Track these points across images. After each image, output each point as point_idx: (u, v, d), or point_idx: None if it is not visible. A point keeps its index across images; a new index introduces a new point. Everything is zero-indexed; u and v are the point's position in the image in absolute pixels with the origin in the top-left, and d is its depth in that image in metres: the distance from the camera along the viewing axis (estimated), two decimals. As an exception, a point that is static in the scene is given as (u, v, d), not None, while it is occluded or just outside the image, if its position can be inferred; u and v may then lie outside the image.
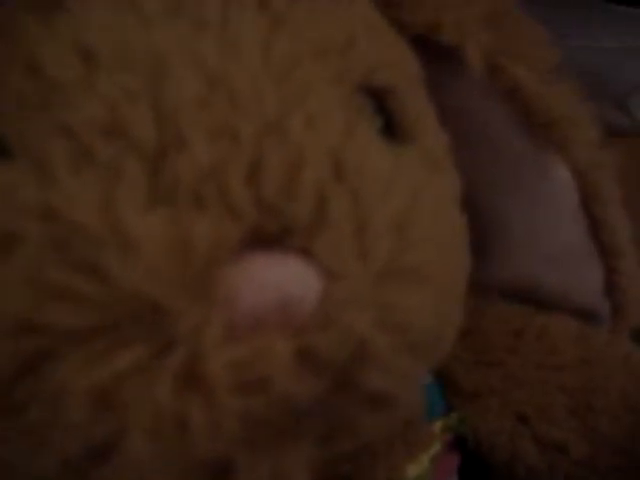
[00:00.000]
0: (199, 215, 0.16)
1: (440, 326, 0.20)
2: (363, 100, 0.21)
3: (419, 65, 0.25)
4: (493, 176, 0.29)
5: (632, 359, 0.32)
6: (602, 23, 0.51)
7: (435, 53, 0.26)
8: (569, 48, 0.29)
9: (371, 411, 0.19)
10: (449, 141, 0.25)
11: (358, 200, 0.17)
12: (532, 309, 0.32)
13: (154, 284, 0.16)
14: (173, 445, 0.16)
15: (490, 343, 0.32)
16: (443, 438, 0.30)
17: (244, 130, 0.17)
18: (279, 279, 0.16)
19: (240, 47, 0.19)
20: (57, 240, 0.16)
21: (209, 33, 0.19)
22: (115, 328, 0.16)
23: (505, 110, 0.28)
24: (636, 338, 0.33)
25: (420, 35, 0.26)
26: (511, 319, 0.32)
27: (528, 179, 0.29)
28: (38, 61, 0.18)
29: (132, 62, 0.18)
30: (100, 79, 0.18)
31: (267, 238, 0.17)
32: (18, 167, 0.18)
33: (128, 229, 0.16)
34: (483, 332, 0.32)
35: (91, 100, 0.17)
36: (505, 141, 0.28)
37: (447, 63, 0.26)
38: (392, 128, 0.22)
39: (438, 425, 0.29)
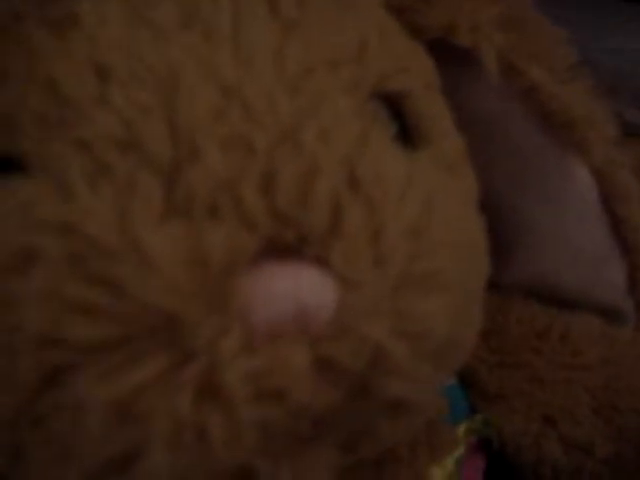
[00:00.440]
0: (214, 226, 0.16)
1: (458, 332, 0.20)
2: (377, 106, 0.21)
3: (435, 68, 0.25)
4: (512, 177, 0.29)
5: (657, 357, 0.31)
6: (618, 22, 0.51)
7: (451, 56, 0.26)
8: (586, 48, 0.29)
9: (390, 418, 0.19)
10: (467, 144, 0.25)
11: (373, 208, 0.17)
12: (555, 309, 0.32)
13: (171, 297, 0.16)
14: (193, 455, 0.16)
15: (514, 344, 0.32)
16: (467, 441, 0.29)
17: (258, 141, 0.17)
18: (295, 289, 0.16)
19: (253, 57, 0.19)
20: (75, 255, 0.16)
21: (222, 44, 0.19)
22: (134, 341, 0.16)
23: (522, 111, 0.28)
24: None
25: (435, 38, 0.26)
26: (534, 320, 0.32)
27: (548, 179, 0.29)
28: (54, 78, 0.18)
29: (146, 76, 0.18)
30: (115, 94, 0.18)
31: (283, 248, 0.17)
32: (36, 183, 0.18)
33: (144, 243, 0.16)
34: (506, 333, 0.32)
35: (107, 115, 0.18)
36: (523, 142, 0.28)
37: (463, 66, 0.27)
38: (408, 132, 0.22)
39: (462, 428, 0.29)
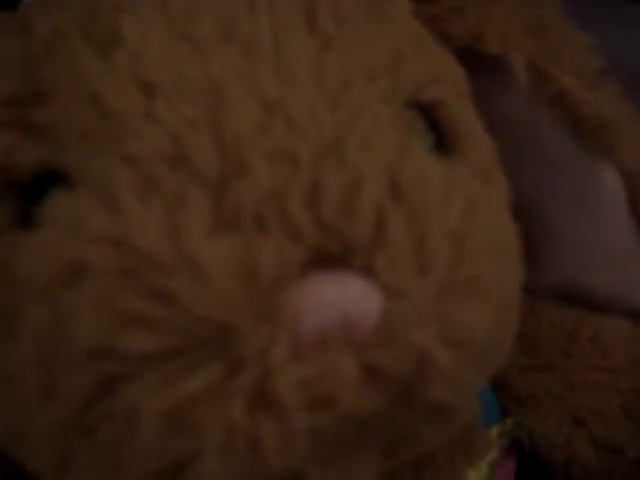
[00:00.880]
0: (263, 239, 0.17)
1: (498, 336, 0.20)
2: (414, 116, 0.21)
3: (465, 76, 0.25)
4: (542, 182, 0.30)
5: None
6: (635, 24, 0.51)
7: (480, 63, 0.26)
8: (607, 50, 0.29)
9: (433, 423, 0.19)
10: (498, 150, 0.25)
11: (416, 217, 0.18)
12: (584, 312, 0.32)
13: (223, 308, 0.16)
14: (246, 463, 0.16)
15: (544, 347, 0.32)
16: (500, 444, 0.30)
17: (302, 153, 0.17)
18: (341, 298, 0.17)
19: (293, 71, 0.19)
20: (126, 267, 0.17)
21: (263, 59, 0.19)
22: (186, 351, 0.16)
23: (552, 117, 0.28)
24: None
25: (465, 46, 0.26)
26: (564, 323, 0.32)
27: (577, 184, 0.30)
28: (100, 95, 0.19)
29: (190, 92, 0.18)
30: (161, 110, 0.18)
31: (329, 258, 0.17)
32: (83, 197, 0.18)
33: (195, 255, 0.16)
34: (537, 336, 0.32)
35: (154, 131, 0.18)
36: (553, 147, 0.29)
37: (493, 72, 0.27)
38: (443, 141, 0.22)
39: (494, 431, 0.30)
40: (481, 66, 0.26)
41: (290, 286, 0.17)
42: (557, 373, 0.31)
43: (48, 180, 0.19)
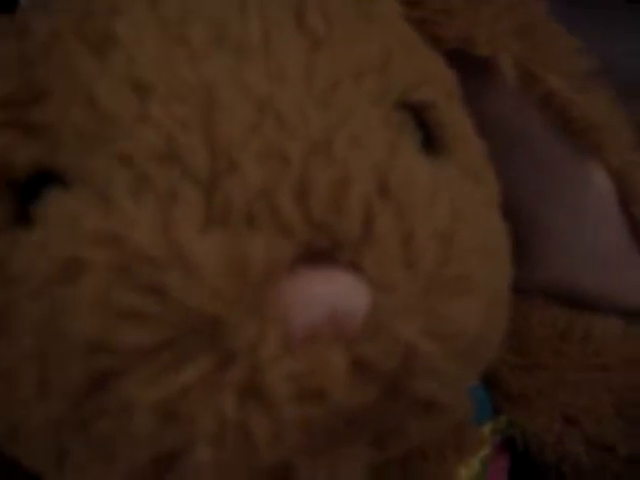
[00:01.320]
0: (253, 235, 0.17)
1: (486, 332, 0.20)
2: (403, 116, 0.22)
3: (455, 77, 0.26)
4: (532, 182, 0.30)
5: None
6: (631, 25, 0.51)
7: (469, 65, 0.27)
8: (601, 51, 0.29)
9: (421, 416, 0.19)
10: (487, 150, 0.26)
11: (403, 214, 0.18)
12: (575, 311, 0.32)
13: (214, 302, 0.16)
14: (237, 453, 0.17)
15: (535, 346, 0.32)
16: (492, 441, 0.30)
17: (292, 151, 0.18)
18: (330, 293, 0.17)
19: (283, 71, 0.19)
20: (120, 264, 0.17)
21: (253, 60, 0.20)
22: (178, 344, 0.17)
23: (541, 118, 0.28)
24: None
25: (454, 48, 0.27)
26: (555, 322, 0.32)
27: (566, 184, 0.30)
28: (95, 95, 0.19)
29: (183, 93, 0.19)
30: (154, 110, 0.19)
31: (318, 254, 0.17)
32: (79, 196, 0.19)
33: (187, 251, 0.17)
34: (528, 335, 0.32)
35: (147, 130, 0.18)
36: (542, 147, 0.29)
37: (482, 74, 0.27)
38: (432, 141, 0.23)
39: (487, 428, 0.30)
40: (470, 68, 0.27)
41: (280, 281, 0.17)
42: (548, 372, 0.32)
43: (43, 179, 0.20)
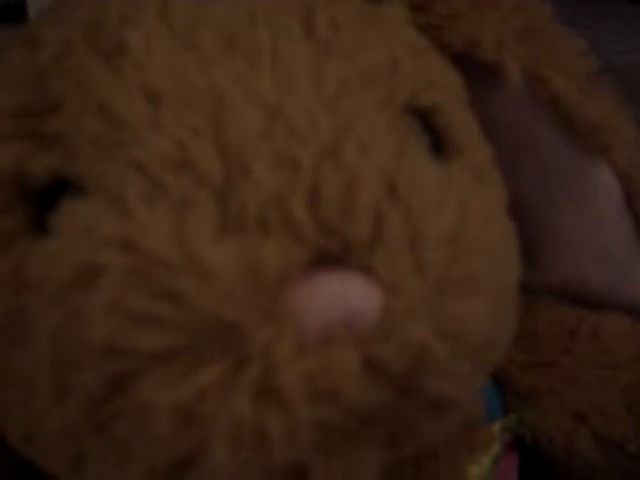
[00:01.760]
0: (266, 240, 0.17)
1: (495, 331, 0.21)
2: (410, 120, 0.22)
3: (461, 81, 0.26)
4: (538, 182, 0.30)
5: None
6: (625, 24, 0.51)
7: (476, 68, 0.27)
8: (598, 51, 0.30)
9: (433, 416, 0.19)
10: (494, 152, 0.26)
11: (411, 217, 0.18)
12: (584, 310, 0.33)
13: (229, 306, 0.17)
14: (253, 453, 0.17)
15: (545, 344, 0.32)
16: (502, 439, 0.30)
17: (303, 157, 0.18)
18: (343, 295, 0.17)
19: (292, 78, 0.20)
20: (136, 269, 0.17)
21: (263, 67, 0.20)
22: (194, 348, 0.17)
23: (547, 119, 0.28)
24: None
25: (460, 52, 0.27)
26: (564, 320, 0.33)
27: (573, 184, 0.30)
28: (108, 104, 0.20)
29: (195, 100, 0.19)
30: (167, 117, 0.19)
31: (330, 257, 0.18)
32: (95, 203, 0.19)
33: (202, 256, 0.17)
34: (537, 334, 0.33)
35: (160, 137, 0.19)
36: (548, 149, 0.29)
37: (488, 77, 0.27)
38: (439, 144, 0.23)
39: (497, 427, 0.30)
40: (476, 71, 0.27)
41: (294, 285, 0.17)
42: (558, 370, 0.32)
43: (59, 188, 0.20)
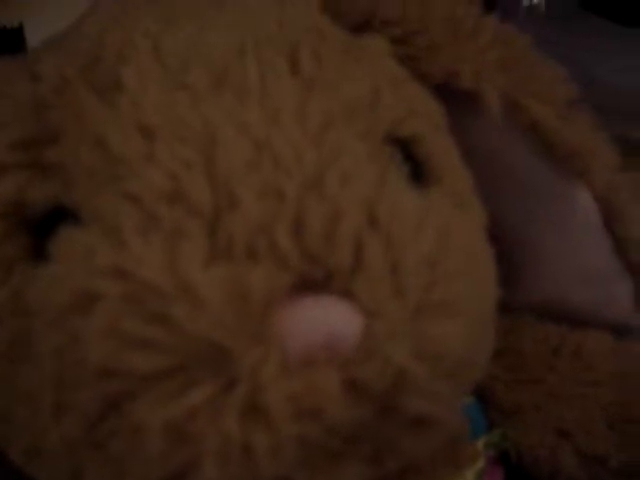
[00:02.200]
0: (253, 267, 0.18)
1: (473, 352, 0.22)
2: (391, 150, 0.23)
3: (442, 110, 0.27)
4: (519, 206, 0.31)
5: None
6: (621, 45, 0.52)
7: (455, 97, 0.28)
8: (592, 69, 0.30)
9: (414, 433, 0.20)
10: (474, 178, 0.27)
11: (391, 244, 0.19)
12: (567, 328, 0.33)
13: (218, 329, 0.18)
14: (240, 469, 0.18)
15: (528, 362, 0.33)
16: (487, 454, 0.31)
17: (287, 189, 0.19)
18: (325, 319, 0.18)
19: (279, 114, 0.21)
20: (131, 296, 0.18)
21: (251, 103, 0.21)
22: (185, 370, 0.18)
23: (526, 145, 0.29)
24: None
25: (440, 83, 0.28)
26: (548, 338, 0.33)
27: (553, 206, 0.31)
28: (104, 138, 0.20)
29: (186, 134, 0.20)
30: (160, 151, 0.20)
31: (313, 284, 0.19)
32: (91, 233, 0.20)
33: (192, 283, 0.18)
34: (521, 351, 0.33)
35: (153, 170, 0.20)
36: (527, 173, 0.30)
37: (468, 106, 0.28)
38: (419, 172, 0.24)
39: (481, 442, 0.31)
40: (456, 100, 0.28)
41: (279, 310, 0.18)
42: (541, 386, 0.32)
43: (57, 217, 0.21)
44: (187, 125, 0.20)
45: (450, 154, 0.26)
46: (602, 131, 0.30)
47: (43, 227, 0.21)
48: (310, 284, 0.19)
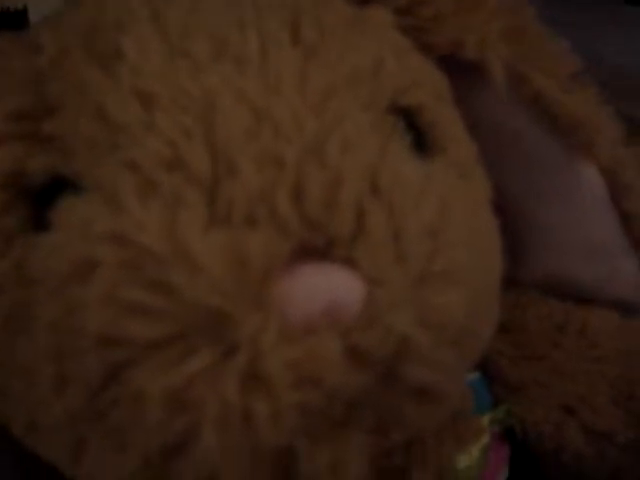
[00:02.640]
0: (253, 233, 0.18)
1: (476, 322, 0.21)
2: (394, 119, 0.23)
3: (445, 81, 0.27)
4: (523, 179, 0.31)
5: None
6: (620, 23, 0.52)
7: (460, 69, 0.28)
8: (591, 47, 0.30)
9: (417, 403, 0.20)
10: (479, 150, 0.27)
11: (393, 212, 0.19)
12: (572, 304, 0.33)
13: (217, 296, 0.18)
14: (240, 437, 0.18)
15: (534, 338, 0.33)
16: (492, 430, 0.31)
17: (287, 156, 0.19)
18: (327, 287, 0.18)
19: (279, 82, 0.21)
20: (129, 263, 0.18)
21: (251, 71, 0.21)
22: (184, 337, 0.18)
23: (530, 118, 0.29)
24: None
25: (445, 54, 0.28)
26: (553, 314, 0.33)
27: (558, 180, 0.31)
28: (104, 107, 0.20)
29: (186, 103, 0.20)
30: (160, 119, 0.20)
31: (314, 251, 0.19)
32: (91, 200, 0.20)
33: (191, 249, 0.18)
34: (526, 328, 0.33)
35: (152, 138, 0.20)
36: (533, 145, 0.30)
37: (472, 77, 0.28)
38: (422, 142, 0.24)
39: (486, 418, 0.31)
40: (461, 71, 0.28)
41: (279, 276, 0.18)
42: (546, 362, 0.32)
43: (56, 187, 0.21)
44: (187, 93, 0.20)
45: (455, 125, 0.26)
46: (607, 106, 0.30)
47: (43, 198, 0.21)
48: (311, 251, 0.19)
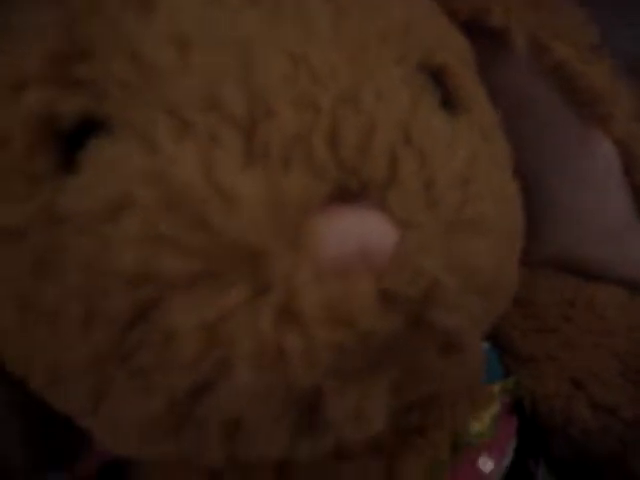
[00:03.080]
0: (290, 174, 0.18)
1: (501, 273, 0.22)
2: (424, 77, 0.23)
3: (469, 46, 0.27)
4: (539, 151, 0.31)
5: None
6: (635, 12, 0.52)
7: (482, 36, 0.28)
8: (605, 36, 0.30)
9: (442, 352, 0.21)
10: (499, 118, 0.27)
11: (425, 160, 0.20)
12: (581, 280, 0.34)
13: (253, 233, 0.18)
14: (273, 374, 0.18)
15: (545, 312, 0.33)
16: (502, 400, 0.31)
17: (323, 101, 0.19)
18: (360, 229, 0.19)
19: (314, 32, 0.21)
20: (165, 199, 0.18)
21: (286, 19, 0.21)
22: (219, 274, 0.18)
23: (550, 87, 0.29)
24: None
25: (467, 20, 0.28)
26: (563, 289, 0.34)
27: (572, 153, 0.31)
28: (138, 50, 0.20)
29: (222, 46, 0.20)
30: (195, 61, 0.20)
31: (348, 194, 0.19)
32: (124, 140, 0.20)
33: (228, 186, 0.18)
34: (538, 302, 0.34)
35: (188, 79, 0.20)
36: (549, 116, 0.30)
37: (493, 44, 0.28)
38: (448, 102, 0.24)
39: (497, 387, 0.31)
40: (483, 38, 0.28)
41: (314, 217, 0.18)
42: (557, 336, 0.33)
43: (89, 129, 0.21)
44: (222, 37, 0.20)
45: (477, 89, 0.26)
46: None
47: (73, 140, 0.21)
48: (345, 195, 0.19)
